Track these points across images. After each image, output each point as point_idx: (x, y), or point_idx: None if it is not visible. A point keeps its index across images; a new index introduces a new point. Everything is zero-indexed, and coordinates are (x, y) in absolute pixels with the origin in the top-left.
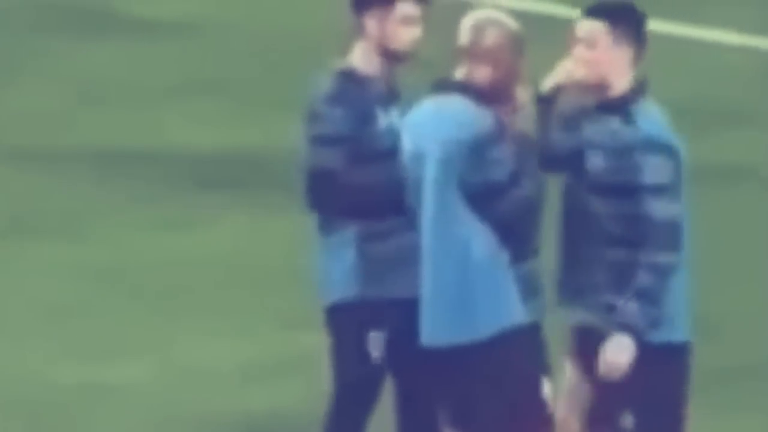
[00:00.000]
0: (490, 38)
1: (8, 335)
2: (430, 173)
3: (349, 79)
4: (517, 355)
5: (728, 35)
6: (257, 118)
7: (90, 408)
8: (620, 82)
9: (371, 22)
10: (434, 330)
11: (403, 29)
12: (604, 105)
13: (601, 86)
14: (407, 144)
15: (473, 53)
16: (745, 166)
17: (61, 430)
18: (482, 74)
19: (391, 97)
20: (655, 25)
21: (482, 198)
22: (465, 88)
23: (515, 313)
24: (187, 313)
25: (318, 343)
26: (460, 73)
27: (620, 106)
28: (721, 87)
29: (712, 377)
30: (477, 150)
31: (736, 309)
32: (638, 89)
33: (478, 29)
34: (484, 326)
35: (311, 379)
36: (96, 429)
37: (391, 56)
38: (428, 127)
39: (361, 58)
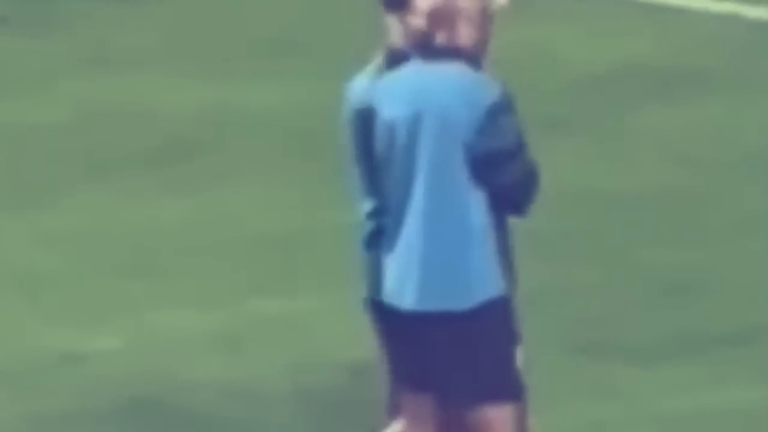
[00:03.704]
0: (475, 2)
1: None
2: (431, 137)
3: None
4: (498, 324)
5: (710, 2)
6: (237, 82)
7: (62, 375)
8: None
9: None
10: (423, 294)
11: None
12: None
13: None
14: (400, 107)
15: (454, 17)
16: (726, 135)
17: (35, 396)
18: (467, 39)
19: None
20: None
21: (487, 165)
22: (455, 53)
23: (499, 283)
24: (158, 280)
25: (288, 309)
26: (440, 38)
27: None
28: (702, 54)
29: (707, 341)
30: (488, 117)
31: (735, 266)
32: None
33: None
34: (474, 294)
35: (282, 346)
36: (70, 396)
37: None
38: (428, 91)
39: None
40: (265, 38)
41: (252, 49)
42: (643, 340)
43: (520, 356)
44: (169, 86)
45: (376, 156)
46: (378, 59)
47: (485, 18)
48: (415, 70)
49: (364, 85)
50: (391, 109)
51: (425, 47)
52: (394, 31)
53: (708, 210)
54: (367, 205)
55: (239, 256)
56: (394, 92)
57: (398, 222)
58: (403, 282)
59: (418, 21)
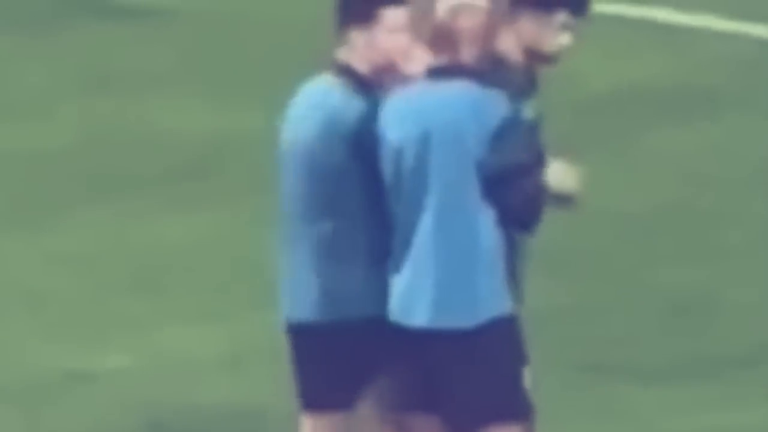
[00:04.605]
0: (472, 20)
1: None
2: (442, 155)
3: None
4: (504, 343)
5: (717, 21)
6: (240, 104)
7: (68, 394)
8: None
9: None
10: (436, 312)
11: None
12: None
13: None
14: (407, 128)
15: (456, 38)
16: (735, 153)
17: (41, 414)
18: (471, 57)
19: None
20: (642, 12)
21: (496, 182)
22: (460, 72)
23: (506, 302)
24: (162, 299)
25: None
26: (442, 58)
27: None
28: (710, 73)
29: (716, 361)
30: (498, 134)
31: (744, 286)
32: None
33: (457, 12)
34: (480, 312)
35: (287, 365)
36: (75, 414)
37: (539, 57)
38: (436, 110)
39: (509, 48)
40: (269, 61)
41: (256, 72)
42: (652, 361)
43: (528, 376)
44: (171, 108)
45: (382, 179)
46: (332, 76)
47: (492, 34)
48: (419, 91)
49: (346, 104)
50: (397, 132)
51: (430, 67)
52: (354, 46)
53: (717, 228)
54: (327, 224)
55: (242, 276)
56: (399, 114)
57: (406, 242)
58: (412, 300)
59: (386, 37)
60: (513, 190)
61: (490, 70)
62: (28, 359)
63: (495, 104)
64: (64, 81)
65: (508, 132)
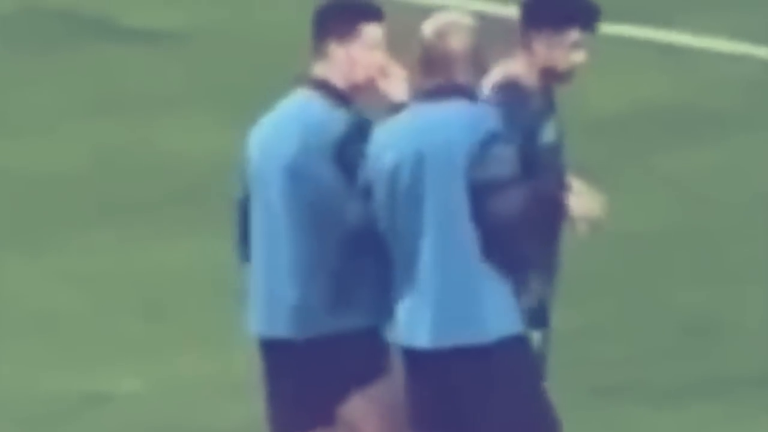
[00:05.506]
0: (465, 40)
1: None
2: (436, 174)
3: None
4: (517, 362)
5: (720, 43)
6: (246, 129)
7: (80, 417)
8: None
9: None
10: (438, 332)
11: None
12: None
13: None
14: (402, 149)
15: (448, 60)
16: (742, 175)
17: None
18: (463, 77)
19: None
20: (647, 33)
21: (480, 195)
22: (454, 92)
23: (515, 320)
24: (173, 322)
25: None
26: (439, 78)
27: None
28: (715, 95)
29: (728, 382)
30: (485, 148)
31: (754, 306)
32: None
33: (444, 32)
34: (489, 330)
35: None
36: None
37: (555, 76)
38: (430, 129)
39: (524, 71)
40: (277, 84)
41: (264, 94)
42: (662, 381)
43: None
44: (179, 130)
45: (368, 193)
46: (309, 90)
47: (483, 52)
48: (413, 112)
49: (327, 116)
50: (391, 153)
51: (424, 89)
52: (332, 61)
53: (724, 250)
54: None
55: None
56: (393, 136)
57: (407, 263)
58: (415, 322)
59: (363, 54)
60: (494, 205)
61: (507, 96)
62: (38, 382)
63: (485, 118)
64: (72, 102)
65: (494, 146)
